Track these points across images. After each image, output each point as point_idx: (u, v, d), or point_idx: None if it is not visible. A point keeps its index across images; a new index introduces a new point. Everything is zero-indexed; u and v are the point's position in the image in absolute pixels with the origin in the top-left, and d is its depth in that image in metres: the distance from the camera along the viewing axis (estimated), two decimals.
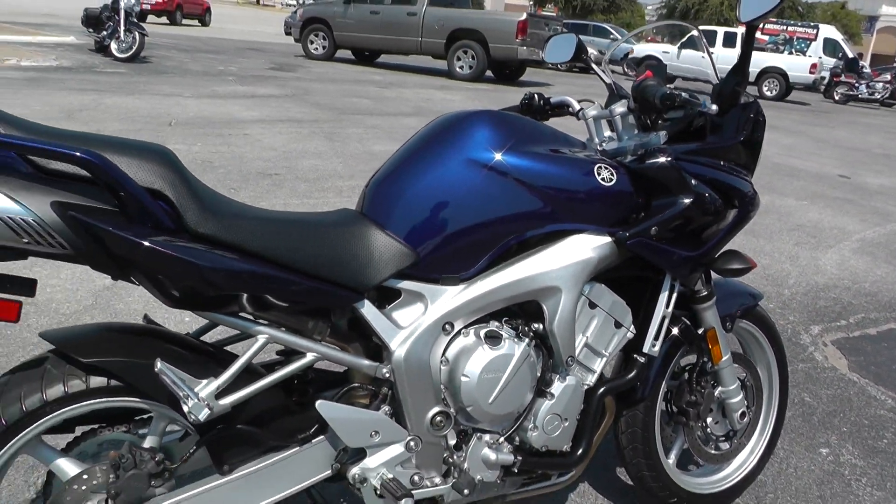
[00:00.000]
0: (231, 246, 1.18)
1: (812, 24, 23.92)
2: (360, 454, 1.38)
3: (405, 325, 1.36)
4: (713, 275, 1.81)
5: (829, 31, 22.43)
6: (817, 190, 6.99)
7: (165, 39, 17.15)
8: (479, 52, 14.34)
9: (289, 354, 1.41)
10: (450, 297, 1.39)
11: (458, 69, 14.66)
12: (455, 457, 1.47)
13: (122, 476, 1.21)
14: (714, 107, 1.56)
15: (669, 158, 1.52)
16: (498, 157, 1.39)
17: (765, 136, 1.78)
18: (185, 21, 28.08)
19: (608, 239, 1.50)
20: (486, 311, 1.42)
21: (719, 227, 1.65)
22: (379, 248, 1.33)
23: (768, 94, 18.57)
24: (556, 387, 1.51)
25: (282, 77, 11.80)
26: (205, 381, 1.21)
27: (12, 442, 1.18)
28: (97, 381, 1.20)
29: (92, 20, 12.19)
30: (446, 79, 14.64)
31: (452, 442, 1.46)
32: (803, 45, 21.25)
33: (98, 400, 1.21)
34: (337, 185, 5.18)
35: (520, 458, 1.52)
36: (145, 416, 1.34)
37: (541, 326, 1.47)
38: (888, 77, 20.22)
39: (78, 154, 1.04)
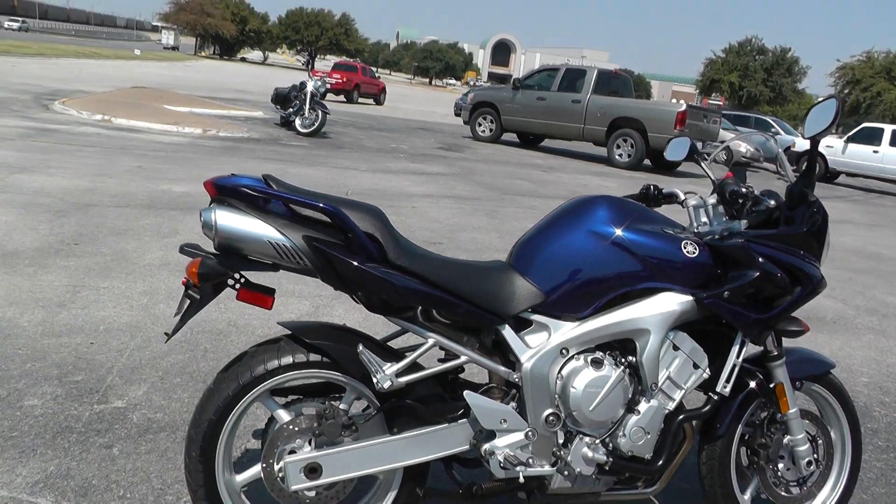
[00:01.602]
0: (416, 275, 1.85)
1: None
2: (490, 436, 1.97)
3: (533, 346, 1.98)
4: (787, 342, 2.29)
5: None
6: None
7: (343, 117, 19.00)
8: (638, 141, 14.87)
9: (446, 360, 2.05)
10: (567, 330, 2.00)
11: (617, 157, 15.24)
12: (562, 451, 2.03)
13: (324, 423, 1.86)
14: (772, 202, 2.10)
15: (742, 240, 2.07)
16: (612, 230, 2.01)
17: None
18: (361, 100, 30.36)
19: (690, 298, 2.06)
20: (594, 343, 2.02)
21: (784, 299, 2.15)
22: (519, 289, 1.97)
23: None
24: (643, 406, 2.06)
25: (450, 157, 12.91)
26: (389, 364, 1.87)
27: (254, 391, 1.83)
28: (314, 357, 1.86)
29: (280, 98, 13.92)
30: (605, 165, 15.25)
31: (561, 440, 2.03)
32: None
33: (313, 370, 1.86)
34: (493, 256, 5.89)
35: (611, 459, 2.05)
36: (339, 394, 2.01)
37: (634, 359, 2.05)
38: None
39: (322, 205, 1.75)
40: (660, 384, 2.07)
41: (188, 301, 1.80)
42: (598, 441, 2.04)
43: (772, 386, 2.30)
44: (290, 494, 1.86)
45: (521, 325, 2.00)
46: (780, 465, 2.37)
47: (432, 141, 15.79)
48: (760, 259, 2.08)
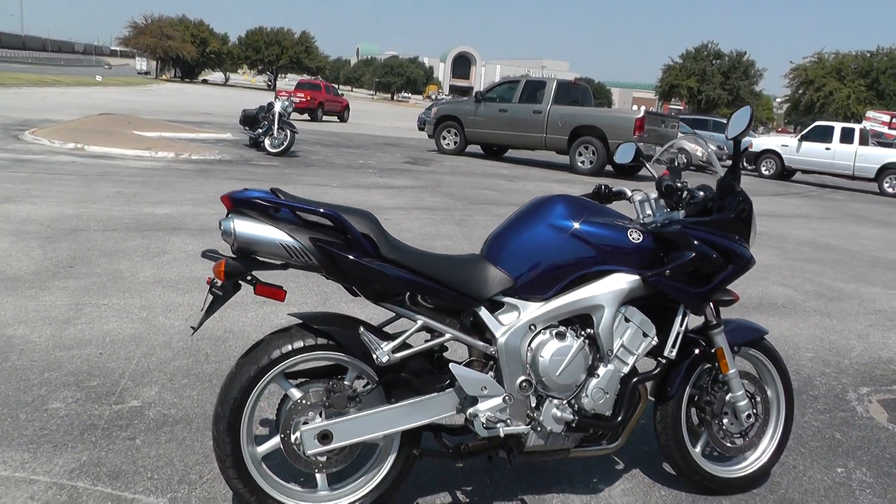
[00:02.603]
0: (405, 266, 2.18)
1: None
2: (473, 402, 2.30)
3: (506, 324, 2.33)
4: (726, 314, 2.67)
5: None
6: None
7: (309, 135, 19.24)
8: (600, 148, 15.37)
9: (432, 339, 2.37)
10: (534, 309, 2.35)
11: (579, 164, 15.73)
12: (535, 412, 2.38)
13: (332, 397, 2.18)
14: (701, 193, 2.49)
15: (679, 227, 2.45)
16: (569, 223, 2.36)
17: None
18: (325, 118, 30.56)
19: (637, 277, 2.42)
20: (557, 319, 2.37)
21: (718, 275, 2.52)
22: (492, 276, 2.32)
23: (889, 190, 18.38)
24: (601, 370, 2.41)
25: (417, 170, 13.26)
26: (386, 342, 2.20)
27: (271, 372, 2.14)
28: (322, 340, 2.18)
29: (249, 119, 14.16)
30: (568, 173, 15.73)
31: (533, 403, 2.38)
32: None
33: (321, 352, 2.18)
34: None
35: (577, 417, 2.40)
36: (342, 375, 2.32)
37: (592, 331, 2.40)
38: None
39: (324, 211, 2.08)
40: (615, 351, 2.43)
41: (212, 297, 2.11)
42: (564, 402, 2.39)
43: (713, 351, 2.67)
44: (306, 459, 2.18)
45: (494, 306, 2.34)
46: (725, 420, 2.75)
47: (399, 156, 16.14)
48: (695, 242, 2.45)
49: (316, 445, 2.15)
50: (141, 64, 77.35)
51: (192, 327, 2.20)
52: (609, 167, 16.04)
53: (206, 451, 2.68)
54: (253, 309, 4.33)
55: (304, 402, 2.19)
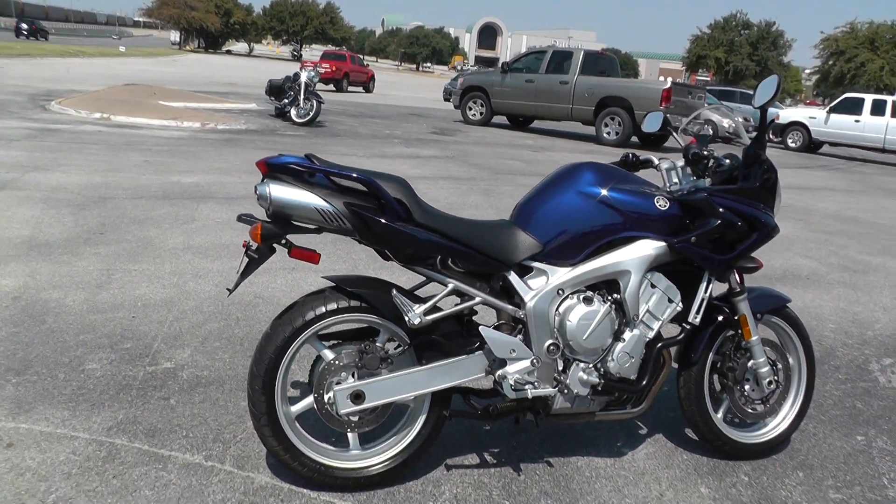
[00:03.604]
0: (437, 231, 2.22)
1: None
2: (502, 364, 2.35)
3: (534, 288, 2.36)
4: (750, 282, 2.68)
5: None
6: None
7: (335, 106, 19.26)
8: (626, 119, 15.26)
9: (462, 303, 2.41)
10: (562, 274, 2.38)
11: (605, 135, 15.63)
12: (561, 376, 2.42)
13: (365, 357, 2.23)
14: (727, 161, 2.49)
15: (704, 194, 2.46)
16: (597, 190, 2.38)
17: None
18: (350, 88, 30.54)
19: (663, 243, 2.44)
20: (584, 284, 2.40)
21: (743, 243, 2.54)
22: (521, 241, 2.35)
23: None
24: (627, 335, 2.45)
25: (443, 140, 13.25)
26: (418, 304, 2.25)
27: (305, 332, 2.19)
28: (354, 303, 2.23)
29: (275, 90, 14.20)
30: (594, 144, 15.63)
31: (560, 366, 2.42)
32: None
33: (353, 314, 2.23)
34: None
35: (602, 381, 2.45)
36: (373, 338, 2.37)
37: (618, 296, 2.43)
38: None
39: (358, 176, 2.11)
40: (641, 316, 2.46)
41: (248, 260, 2.16)
42: (591, 366, 2.43)
43: (736, 318, 2.69)
44: (338, 418, 2.25)
45: (523, 271, 2.38)
46: (747, 387, 2.78)
47: (424, 126, 16.12)
48: (721, 209, 2.46)
49: (348, 405, 2.22)
50: (175, 35, 77.24)
51: (228, 289, 2.26)
52: (635, 138, 15.91)
53: (239, 411, 2.76)
54: (282, 275, 4.41)
55: (336, 362, 2.25)
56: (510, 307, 2.35)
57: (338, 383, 2.24)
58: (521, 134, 16.75)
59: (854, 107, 19.04)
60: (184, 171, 7.61)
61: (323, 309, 2.21)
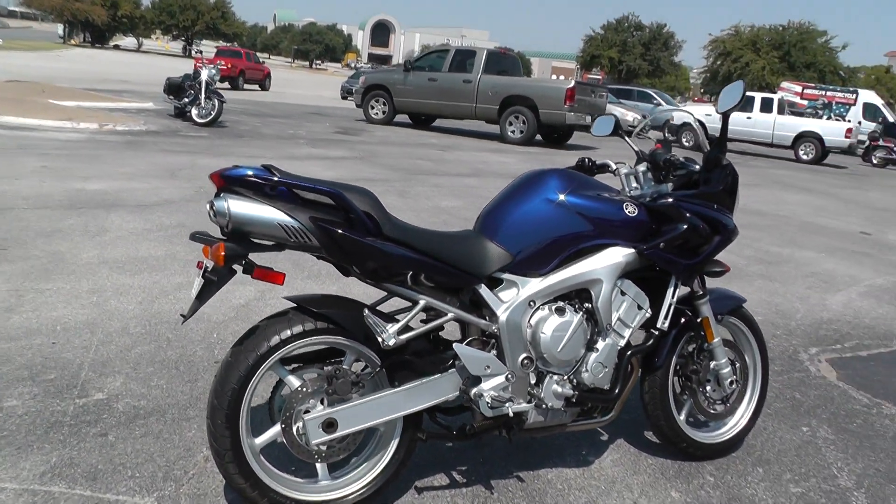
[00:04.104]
0: (408, 245, 2.10)
1: (851, 89, 24.65)
2: (476, 381, 2.25)
3: (505, 300, 2.28)
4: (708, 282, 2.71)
5: (869, 95, 23.17)
6: (837, 245, 7.77)
7: (233, 105, 18.56)
8: (530, 118, 15.47)
9: (430, 319, 2.30)
10: (534, 285, 2.31)
11: (509, 133, 15.79)
12: (535, 389, 2.35)
13: (335, 383, 2.08)
14: (697, 166, 2.50)
15: (671, 199, 2.45)
16: (565, 198, 2.33)
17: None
18: (246, 86, 29.75)
19: (632, 250, 2.42)
20: (556, 294, 2.34)
21: (707, 246, 2.55)
22: (491, 252, 2.26)
23: (804, 157, 19.27)
24: (600, 344, 2.40)
25: (348, 140, 13.02)
26: (391, 324, 2.12)
27: (270, 359, 2.02)
28: (321, 324, 2.07)
29: (174, 88, 13.54)
30: (499, 142, 15.76)
31: (533, 380, 2.35)
32: (842, 110, 22.01)
33: (321, 336, 2.07)
34: None
35: (576, 392, 2.39)
36: (336, 359, 2.22)
37: (590, 305, 2.38)
38: None
39: (326, 189, 1.97)
40: (613, 325, 2.42)
41: (204, 283, 1.97)
42: (565, 378, 2.37)
43: (699, 320, 2.71)
44: (308, 449, 2.09)
45: (493, 283, 2.29)
46: (708, 388, 2.80)
47: (327, 125, 15.81)
48: (688, 214, 2.46)
49: (321, 434, 2.06)
50: (60, 29, 72.13)
51: (182, 315, 2.06)
52: (539, 137, 16.16)
53: (186, 443, 2.54)
54: None
55: (304, 389, 2.09)
56: (483, 321, 2.26)
57: (306, 412, 2.09)
58: (426, 133, 16.70)
59: (745, 104, 20.15)
60: (87, 177, 7.08)
61: (288, 332, 2.05)
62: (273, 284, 2.06)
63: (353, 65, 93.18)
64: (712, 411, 2.84)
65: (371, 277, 2.10)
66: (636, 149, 2.77)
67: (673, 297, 2.56)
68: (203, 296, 1.98)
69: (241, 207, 1.91)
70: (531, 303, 2.30)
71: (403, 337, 2.12)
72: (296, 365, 2.18)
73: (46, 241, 4.78)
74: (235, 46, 39.83)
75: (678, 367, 2.78)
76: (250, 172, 1.93)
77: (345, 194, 1.99)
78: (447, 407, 2.38)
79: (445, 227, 3.63)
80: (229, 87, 27.83)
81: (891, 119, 22.17)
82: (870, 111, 22.10)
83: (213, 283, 1.97)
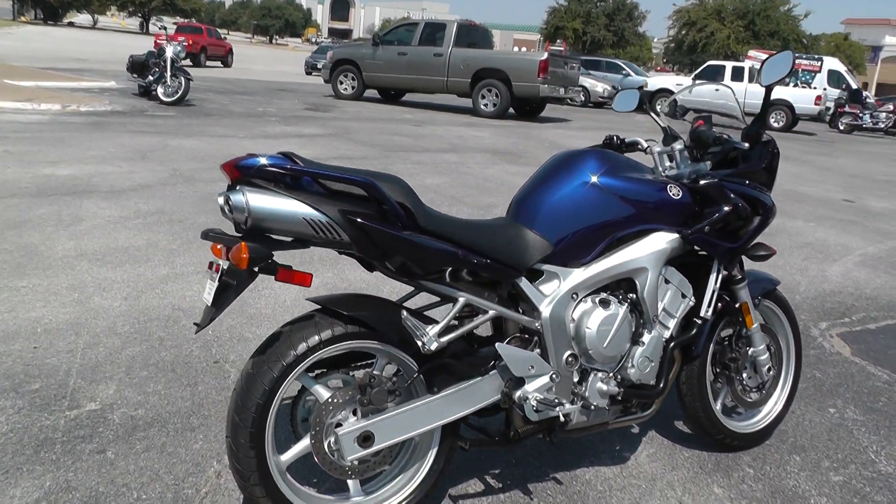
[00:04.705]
0: (447, 238, 1.90)
1: (816, 56, 24.82)
2: (520, 383, 2.06)
3: (548, 294, 2.09)
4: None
5: (833, 63, 23.33)
6: (824, 213, 7.73)
7: (198, 82, 17.97)
8: (503, 91, 15.24)
9: (465, 317, 2.10)
10: (576, 276, 2.12)
11: (482, 107, 15.55)
12: (579, 388, 2.17)
13: (369, 392, 1.87)
14: (745, 144, 2.32)
15: (716, 180, 2.28)
16: (605, 180, 2.14)
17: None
18: (208, 63, 29.13)
19: (676, 235, 2.24)
20: (599, 285, 2.16)
21: (749, 228, 2.39)
22: (531, 242, 2.06)
23: (775, 125, 19.37)
24: (646, 337, 2.23)
25: (320, 117, 12.67)
26: (430, 326, 1.92)
27: (297, 369, 1.81)
28: (352, 328, 1.86)
29: (137, 66, 13.00)
30: (471, 116, 15.50)
31: (577, 378, 2.17)
32: (808, 77, 22.14)
33: (351, 342, 1.86)
34: None
35: (622, 389, 2.23)
36: (361, 363, 2.01)
37: (634, 295, 2.21)
38: (891, 107, 21.01)
39: (358, 179, 1.75)
40: (657, 316, 2.25)
41: (219, 286, 1.75)
42: (609, 375, 2.20)
43: (737, 306, 2.55)
44: (342, 465, 1.89)
45: (532, 275, 2.09)
46: (745, 375, 2.65)
47: (297, 102, 15.39)
48: (732, 195, 2.29)
49: (356, 450, 1.86)
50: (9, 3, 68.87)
51: (196, 324, 1.82)
52: (511, 110, 15.94)
53: (194, 457, 2.32)
54: (197, 280, 3.89)
55: (335, 400, 1.88)
56: (526, 318, 2.07)
57: (338, 425, 1.88)
58: (397, 108, 16.35)
59: (716, 74, 20.30)
60: (55, 162, 6.67)
61: (316, 338, 1.83)
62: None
63: (313, 39, 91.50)
64: (748, 399, 2.71)
65: (405, 274, 1.89)
66: (662, 125, 2.59)
67: (716, 283, 2.40)
68: (220, 302, 1.75)
69: (262, 201, 1.69)
70: (574, 295, 2.12)
71: (444, 339, 1.92)
72: (319, 371, 1.97)
73: (16, 233, 4.45)
74: (195, 22, 38.61)
75: (715, 355, 2.63)
76: (269, 161, 1.71)
77: (378, 184, 1.77)
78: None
79: (434, 206, 3.43)
80: (191, 63, 27.10)
81: (854, 85, 22.37)
82: (834, 78, 22.26)
83: (230, 287, 1.75)
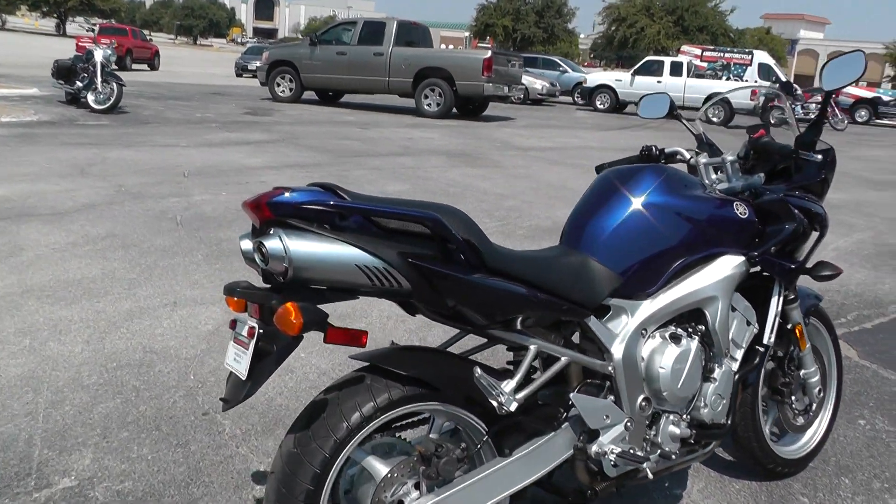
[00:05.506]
0: (517, 278, 1.63)
1: (747, 50, 25.46)
2: (594, 435, 1.80)
3: (616, 332, 1.84)
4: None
5: (762, 56, 23.97)
6: None
7: (127, 87, 17.25)
8: (446, 90, 15.04)
9: (518, 360, 1.83)
10: (644, 309, 1.87)
11: (426, 107, 15.32)
12: (649, 433, 1.92)
13: (437, 463, 1.58)
14: (819, 157, 2.11)
15: (781, 195, 2.07)
16: (671, 201, 1.89)
17: None
18: (134, 66, 27.99)
19: (742, 258, 2.02)
20: (667, 318, 1.91)
21: (807, 244, 2.19)
22: (599, 275, 1.80)
23: (714, 119, 19.69)
24: (717, 372, 2.00)
25: (262, 122, 12.18)
26: (504, 382, 1.63)
27: (351, 443, 1.49)
28: (412, 389, 1.56)
29: (63, 71, 12.19)
30: (415, 116, 15.23)
31: (648, 422, 1.93)
32: (740, 71, 22.67)
33: (411, 406, 1.57)
34: None
35: (694, 431, 1.99)
36: (405, 423, 1.71)
37: (703, 327, 1.97)
38: (819, 98, 21.66)
39: (421, 214, 1.45)
40: (727, 348, 2.03)
41: (253, 354, 1.43)
42: (681, 416, 1.96)
43: (789, 327, 2.35)
44: None
45: (599, 312, 1.83)
46: (793, 398, 2.46)
47: (234, 106, 14.80)
48: (795, 211, 2.09)
49: None
50: None
51: (224, 400, 1.49)
52: (455, 110, 15.71)
53: None
54: (165, 313, 3.48)
55: (395, 475, 1.58)
56: (599, 361, 1.81)
57: (399, 502, 1.58)
58: (338, 110, 15.93)
59: (655, 69, 20.56)
60: None
61: (371, 405, 1.51)
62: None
63: (238, 40, 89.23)
64: (797, 423, 2.52)
65: (470, 322, 1.61)
66: (697, 132, 2.37)
67: (778, 306, 2.19)
68: (258, 374, 1.43)
69: (305, 246, 1.37)
70: (643, 331, 1.87)
71: (521, 395, 1.64)
72: (364, 436, 1.66)
73: None
74: (109, 23, 37.01)
75: (765, 380, 2.43)
76: (309, 199, 1.39)
77: (443, 219, 1.47)
78: None
79: None
80: (116, 67, 25.92)
81: (783, 78, 23.02)
82: (764, 71, 22.83)
83: (268, 354, 1.43)
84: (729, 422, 2.08)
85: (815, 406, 2.54)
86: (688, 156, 2.27)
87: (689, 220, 1.91)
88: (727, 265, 1.98)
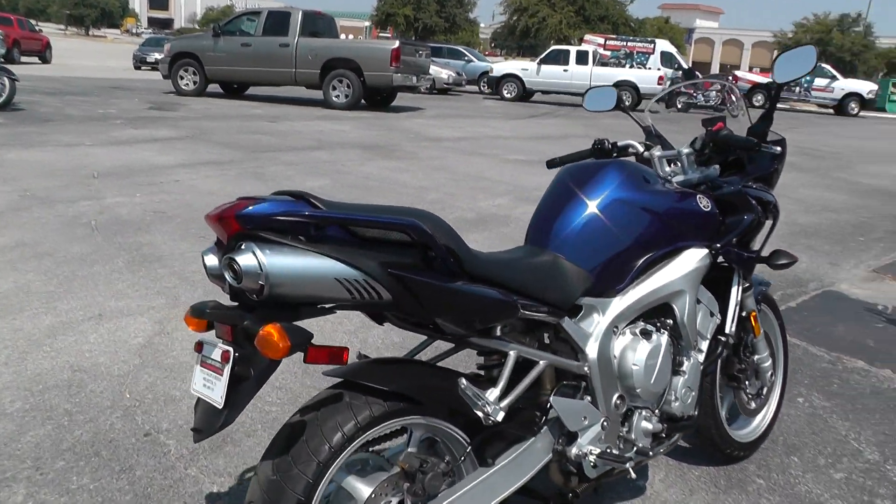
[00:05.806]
0: (498, 283, 1.57)
1: (649, 39, 26.28)
2: (572, 438, 1.77)
3: (589, 331, 1.81)
4: None
5: (664, 45, 24.82)
6: None
7: (19, 82, 16.19)
8: (355, 81, 14.79)
9: (490, 365, 1.77)
10: (614, 306, 1.85)
11: (334, 98, 15.04)
12: (623, 430, 1.91)
13: (422, 479, 1.52)
14: (778, 149, 2.14)
15: (740, 187, 2.09)
16: (637, 195, 1.88)
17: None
18: (23, 59, 26.22)
19: (706, 251, 2.04)
20: (636, 314, 1.90)
21: (761, 233, 2.24)
22: (571, 275, 1.77)
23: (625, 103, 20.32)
24: (686, 365, 2.01)
25: (168, 117, 11.65)
26: (488, 391, 1.58)
27: (334, 465, 1.41)
28: (394, 404, 1.47)
29: None
30: (324, 108, 14.93)
31: (621, 420, 1.91)
32: (643, 59, 23.38)
33: (393, 421, 1.49)
34: None
35: (665, 425, 1.99)
36: (384, 438, 1.63)
37: (671, 321, 1.97)
38: (719, 86, 22.62)
39: (401, 221, 1.37)
40: (694, 341, 2.04)
41: (230, 381, 1.32)
42: (652, 411, 1.96)
43: (744, 314, 2.40)
44: None
45: (571, 312, 1.80)
46: (747, 383, 2.53)
47: (137, 101, 14.09)
48: (753, 202, 2.13)
49: None
50: None
51: (196, 430, 1.37)
52: (363, 101, 15.49)
53: None
54: (90, 326, 3.24)
55: (380, 494, 1.50)
56: (575, 363, 1.78)
57: None
58: (245, 103, 15.43)
59: (561, 58, 20.94)
60: None
61: (352, 424, 1.43)
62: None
63: (133, 30, 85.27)
64: (751, 407, 2.59)
65: (449, 331, 1.54)
66: (645, 125, 2.38)
67: (738, 296, 2.22)
68: (237, 402, 1.32)
69: (281, 261, 1.27)
70: (614, 329, 1.85)
71: (505, 403, 1.59)
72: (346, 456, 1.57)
73: None
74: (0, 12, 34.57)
75: (721, 367, 2.47)
76: (281, 209, 1.29)
77: (423, 226, 1.40)
78: None
79: None
80: (3, 60, 24.20)
81: (685, 66, 23.91)
82: (667, 58, 23.62)
83: (245, 379, 1.32)
84: (697, 413, 2.10)
85: (765, 390, 2.62)
86: (640, 149, 2.27)
87: (654, 214, 1.90)
88: (692, 258, 1.99)
